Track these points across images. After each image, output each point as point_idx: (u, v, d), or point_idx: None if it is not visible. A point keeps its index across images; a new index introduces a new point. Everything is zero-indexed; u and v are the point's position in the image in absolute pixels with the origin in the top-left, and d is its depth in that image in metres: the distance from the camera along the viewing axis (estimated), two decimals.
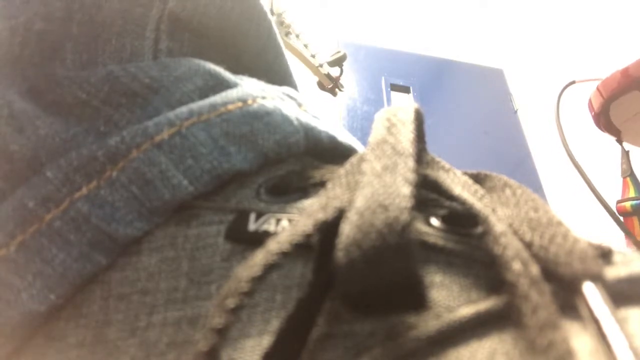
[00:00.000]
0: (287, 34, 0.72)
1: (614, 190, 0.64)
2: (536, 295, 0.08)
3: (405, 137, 0.11)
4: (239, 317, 0.10)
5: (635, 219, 0.62)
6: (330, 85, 0.80)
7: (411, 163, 0.10)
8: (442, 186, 0.12)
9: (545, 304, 0.08)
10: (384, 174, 0.10)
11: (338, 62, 0.78)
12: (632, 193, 0.63)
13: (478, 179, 0.13)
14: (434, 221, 0.11)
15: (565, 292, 0.09)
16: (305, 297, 0.10)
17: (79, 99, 0.14)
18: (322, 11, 1.36)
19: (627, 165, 0.63)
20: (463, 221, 0.11)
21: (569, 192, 0.92)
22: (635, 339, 0.08)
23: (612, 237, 0.64)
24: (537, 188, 1.18)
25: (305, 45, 0.75)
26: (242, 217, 0.12)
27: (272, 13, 0.69)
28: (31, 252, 0.11)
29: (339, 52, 0.79)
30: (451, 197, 0.11)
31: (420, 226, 0.11)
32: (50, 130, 0.13)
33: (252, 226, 0.12)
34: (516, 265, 0.08)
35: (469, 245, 0.11)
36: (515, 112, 1.35)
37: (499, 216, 0.10)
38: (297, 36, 0.73)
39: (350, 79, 1.25)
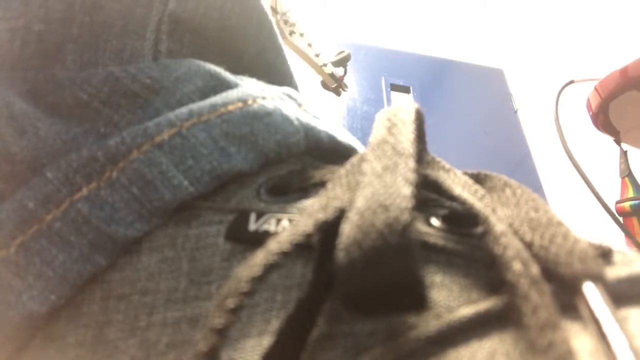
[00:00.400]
0: (291, 32, 0.71)
1: (613, 190, 0.64)
2: (536, 296, 0.08)
3: (406, 137, 0.11)
4: (239, 317, 0.10)
5: (634, 219, 0.62)
6: (334, 85, 0.79)
7: (412, 163, 0.10)
8: (443, 186, 0.12)
9: (546, 304, 0.08)
10: (384, 174, 0.10)
11: (342, 62, 0.78)
12: (630, 193, 0.63)
13: (478, 179, 0.13)
14: (435, 221, 0.11)
15: (565, 292, 0.09)
16: (306, 297, 0.10)
17: (79, 100, 0.14)
18: (322, 11, 1.36)
19: (626, 165, 0.63)
20: (463, 221, 0.11)
21: (569, 192, 0.92)
22: (635, 339, 0.08)
23: (613, 237, 0.64)
24: (537, 188, 1.18)
25: (309, 45, 0.74)
26: (243, 217, 0.12)
27: (276, 12, 0.68)
28: (31, 253, 0.11)
29: (342, 52, 0.78)
30: (451, 197, 0.11)
31: (421, 226, 0.11)
32: (50, 132, 0.13)
33: (252, 226, 0.12)
34: (516, 266, 0.08)
35: (469, 245, 0.11)
36: (515, 112, 1.35)
37: (499, 216, 0.10)
38: (301, 35, 0.73)
39: (350, 79, 1.24)
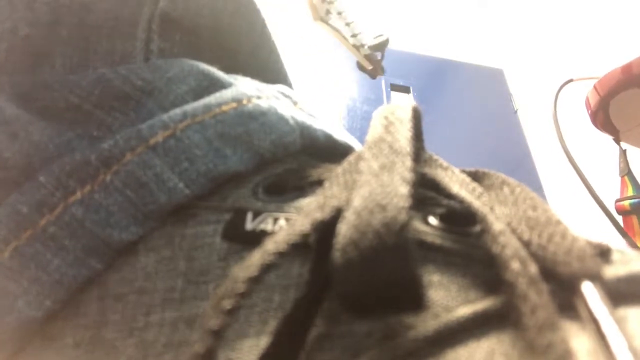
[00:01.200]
0: (327, 12, 0.68)
1: (614, 189, 0.64)
2: (535, 295, 0.08)
3: (403, 136, 0.11)
4: (236, 318, 0.10)
5: (634, 218, 0.62)
6: (371, 67, 0.76)
7: (409, 162, 0.10)
8: (440, 184, 0.11)
9: (544, 303, 0.08)
10: (381, 173, 0.10)
11: (380, 47, 0.74)
12: (630, 192, 0.63)
13: (476, 177, 0.13)
14: (432, 220, 0.11)
15: (564, 291, 0.08)
16: (303, 297, 0.09)
17: (70, 103, 0.14)
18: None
19: (625, 164, 0.63)
20: (461, 220, 0.11)
21: (569, 192, 0.92)
22: (634, 339, 0.08)
23: (613, 236, 0.64)
24: (537, 188, 1.18)
25: (348, 24, 0.70)
26: (239, 216, 0.12)
27: None
28: (26, 258, 0.11)
29: (381, 35, 0.75)
30: (449, 196, 0.11)
31: (418, 225, 0.11)
32: (43, 136, 0.13)
33: (249, 225, 0.12)
34: (514, 265, 0.08)
35: (467, 244, 0.10)
36: (515, 112, 1.35)
37: (497, 215, 0.10)
38: (339, 14, 0.69)
39: (350, 79, 1.25)
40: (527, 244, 0.09)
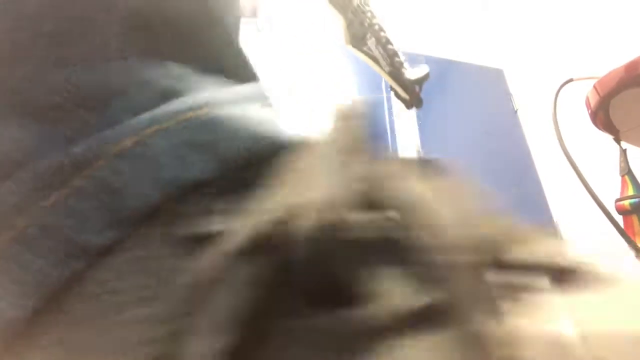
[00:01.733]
0: (363, 37, 0.64)
1: (614, 189, 0.63)
2: (477, 288, 0.08)
3: (355, 134, 0.11)
4: (197, 318, 0.10)
5: (634, 217, 0.61)
6: (408, 98, 0.72)
7: (361, 160, 0.10)
8: (387, 178, 0.12)
9: (487, 295, 0.08)
10: (333, 172, 0.10)
11: (420, 81, 0.71)
12: (630, 191, 0.62)
13: (418, 164, 0.13)
14: (381, 217, 0.11)
15: (507, 281, 0.09)
16: (264, 294, 0.10)
17: (42, 103, 0.14)
18: (322, 10, 1.36)
19: (625, 163, 0.63)
20: (408, 214, 0.11)
21: (569, 192, 0.91)
22: (583, 325, 0.08)
23: (613, 236, 0.64)
24: (537, 188, 1.18)
25: (386, 51, 0.67)
26: (203, 217, 0.12)
27: (355, 15, 0.61)
28: (7, 260, 0.11)
29: (421, 68, 0.71)
30: (396, 192, 0.11)
31: (366, 222, 0.11)
32: (13, 137, 0.13)
33: (210, 227, 0.12)
34: (457, 258, 0.08)
35: (411, 240, 0.11)
36: (515, 112, 1.34)
37: (439, 206, 0.10)
38: (378, 40, 0.66)
39: (350, 79, 1.25)
40: (467, 238, 0.09)
